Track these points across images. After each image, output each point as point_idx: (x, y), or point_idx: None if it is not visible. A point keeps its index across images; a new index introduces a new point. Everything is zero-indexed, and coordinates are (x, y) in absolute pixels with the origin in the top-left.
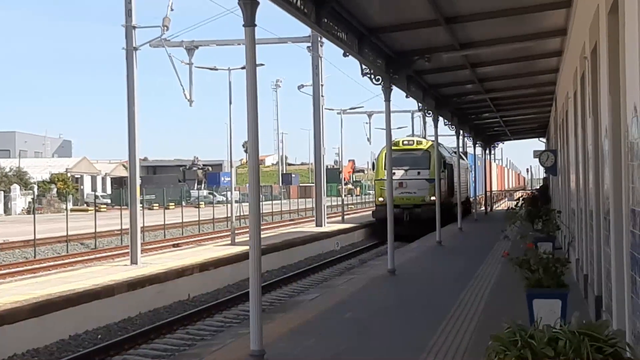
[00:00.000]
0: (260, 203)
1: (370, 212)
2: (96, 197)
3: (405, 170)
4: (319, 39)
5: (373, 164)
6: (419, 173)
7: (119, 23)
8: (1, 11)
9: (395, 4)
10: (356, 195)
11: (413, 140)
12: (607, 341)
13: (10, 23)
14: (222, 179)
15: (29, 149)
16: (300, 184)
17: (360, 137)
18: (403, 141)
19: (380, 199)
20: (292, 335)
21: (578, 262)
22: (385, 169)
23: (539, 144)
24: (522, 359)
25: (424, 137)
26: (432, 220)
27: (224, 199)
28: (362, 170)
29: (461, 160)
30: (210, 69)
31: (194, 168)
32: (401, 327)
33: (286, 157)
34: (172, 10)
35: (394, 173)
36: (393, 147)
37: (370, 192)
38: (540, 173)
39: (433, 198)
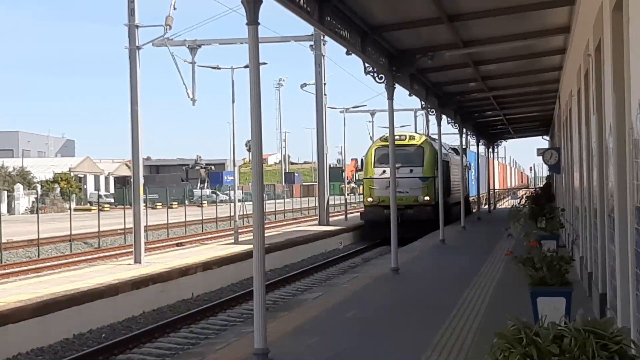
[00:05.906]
0: (264, 202)
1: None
2: (99, 196)
3: (397, 168)
4: (322, 37)
5: (361, 160)
6: (411, 171)
7: (121, 23)
8: (3, 13)
9: (398, 2)
10: (359, 194)
11: (405, 135)
12: (612, 338)
13: (13, 24)
14: (225, 178)
15: (32, 148)
16: (303, 183)
17: (363, 135)
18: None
19: (370, 199)
20: (295, 333)
21: (582, 260)
22: (374, 166)
23: (543, 141)
24: (528, 356)
25: (428, 135)
26: (425, 222)
27: (227, 198)
28: None
29: (460, 158)
30: (213, 68)
31: (197, 167)
32: (405, 325)
33: (289, 156)
34: (174, 9)
35: (384, 171)
36: (383, 143)
37: None
38: (543, 171)
39: (427, 198)
